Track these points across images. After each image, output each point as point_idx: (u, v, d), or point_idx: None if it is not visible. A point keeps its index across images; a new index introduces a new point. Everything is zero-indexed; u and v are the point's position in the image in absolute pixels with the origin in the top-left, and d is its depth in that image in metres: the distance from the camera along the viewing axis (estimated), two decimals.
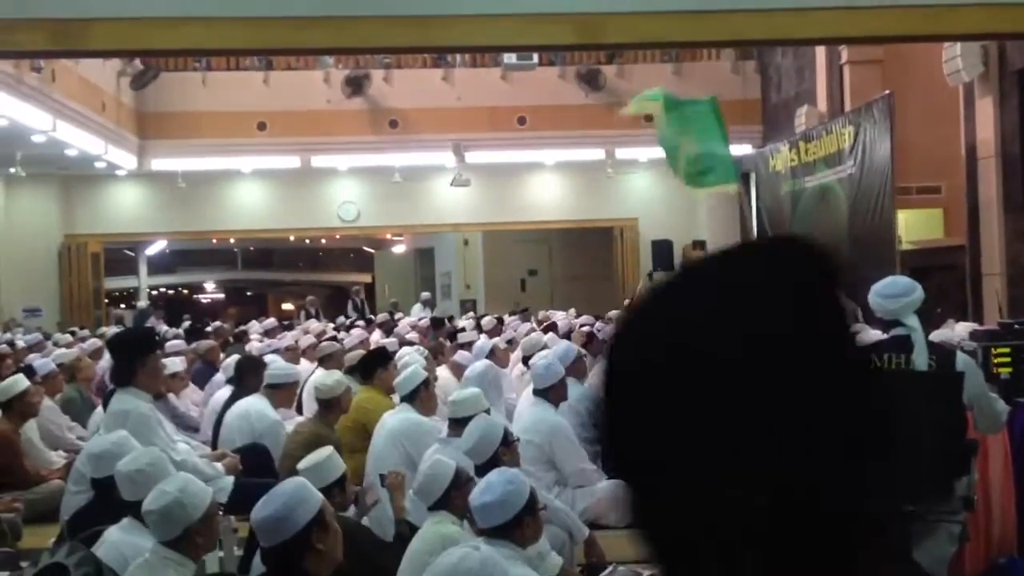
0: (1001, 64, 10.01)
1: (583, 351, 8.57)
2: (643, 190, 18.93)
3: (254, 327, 13.99)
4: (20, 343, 11.81)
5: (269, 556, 2.99)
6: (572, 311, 13.74)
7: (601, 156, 17.28)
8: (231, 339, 12.71)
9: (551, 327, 11.64)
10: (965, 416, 4.79)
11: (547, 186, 18.99)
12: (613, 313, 13.76)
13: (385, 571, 3.99)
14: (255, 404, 6.70)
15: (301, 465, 4.08)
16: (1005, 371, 5.48)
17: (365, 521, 4.83)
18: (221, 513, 5.46)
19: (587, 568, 5.21)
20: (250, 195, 18.90)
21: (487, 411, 5.37)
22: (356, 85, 16.37)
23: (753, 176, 15.90)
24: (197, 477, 4.67)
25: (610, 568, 5.16)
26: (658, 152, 17.34)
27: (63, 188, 18.26)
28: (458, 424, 5.34)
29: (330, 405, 6.33)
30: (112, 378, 5.38)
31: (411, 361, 7.10)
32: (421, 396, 6.07)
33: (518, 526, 3.46)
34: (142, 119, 16.67)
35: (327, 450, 4.19)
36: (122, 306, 25.35)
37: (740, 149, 16.57)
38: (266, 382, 6.88)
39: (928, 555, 4.82)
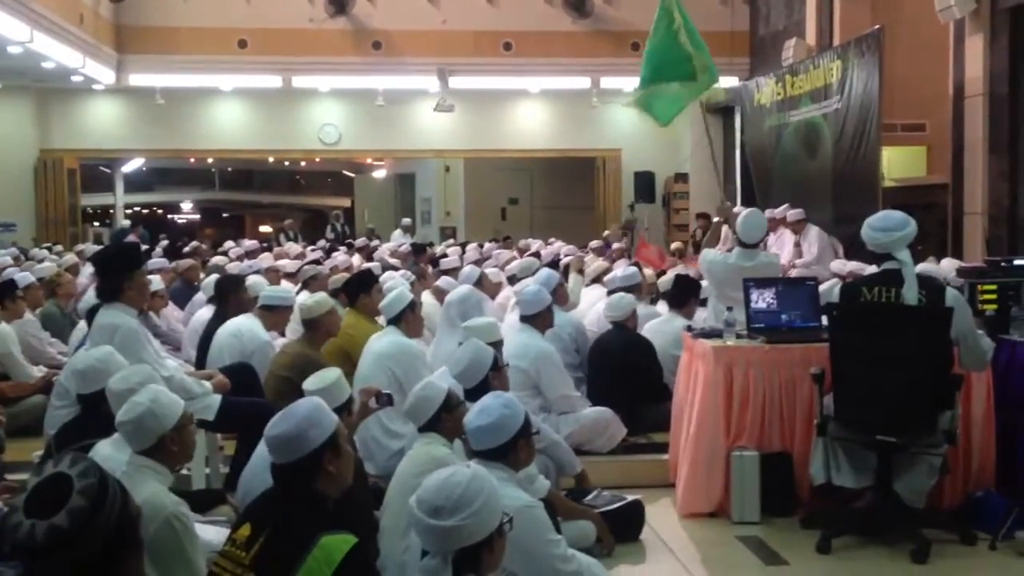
0: (993, 1, 9.93)
1: (564, 279, 8.60)
2: (627, 121, 18.76)
3: (231, 248, 13.89)
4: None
5: (281, 472, 2.98)
6: (554, 241, 13.70)
7: (587, 85, 17.12)
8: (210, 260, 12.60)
9: (535, 256, 11.61)
10: (951, 351, 4.84)
11: (531, 114, 18.83)
12: (593, 243, 13.73)
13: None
14: (247, 323, 6.66)
15: (308, 385, 4.04)
16: (990, 308, 5.53)
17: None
18: (210, 431, 5.51)
19: (572, 492, 5.26)
20: (230, 114, 18.64)
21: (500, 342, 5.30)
22: (339, 4, 16.08)
23: (738, 110, 15.82)
24: (185, 394, 4.68)
25: (594, 492, 5.23)
26: None
27: (39, 101, 17.95)
28: None
29: (313, 325, 6.31)
30: (98, 294, 5.31)
31: (396, 285, 7.07)
32: (407, 319, 6.06)
33: (512, 449, 3.49)
34: (121, 33, 16.35)
35: (335, 372, 4.16)
36: (96, 224, 25.08)
37: (727, 82, 16.46)
38: (260, 303, 6.84)
39: (908, 486, 4.91)
